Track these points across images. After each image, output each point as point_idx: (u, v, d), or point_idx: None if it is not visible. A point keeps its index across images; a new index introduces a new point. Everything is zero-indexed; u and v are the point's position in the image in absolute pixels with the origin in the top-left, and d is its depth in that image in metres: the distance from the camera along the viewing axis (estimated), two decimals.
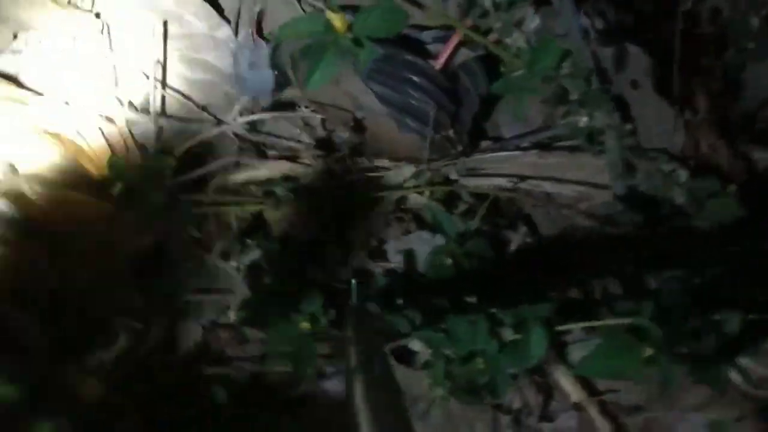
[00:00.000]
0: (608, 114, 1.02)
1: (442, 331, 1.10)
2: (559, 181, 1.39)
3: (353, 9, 1.07)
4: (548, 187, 1.39)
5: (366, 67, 1.39)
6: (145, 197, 1.36)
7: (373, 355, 0.83)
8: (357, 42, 0.96)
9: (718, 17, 1.30)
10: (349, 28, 0.97)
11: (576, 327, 1.10)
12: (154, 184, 1.37)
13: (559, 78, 1.00)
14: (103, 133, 1.53)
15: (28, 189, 1.37)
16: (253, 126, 1.51)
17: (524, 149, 1.44)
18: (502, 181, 1.40)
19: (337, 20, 0.94)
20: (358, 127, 1.42)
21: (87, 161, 1.49)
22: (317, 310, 1.20)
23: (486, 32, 1.02)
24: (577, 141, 1.37)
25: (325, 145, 1.48)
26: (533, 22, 0.98)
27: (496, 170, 1.41)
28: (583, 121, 1.02)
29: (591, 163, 1.37)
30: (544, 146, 1.44)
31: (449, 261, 1.27)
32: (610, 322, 1.01)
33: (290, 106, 1.53)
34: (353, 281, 1.11)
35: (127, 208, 1.35)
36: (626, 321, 0.97)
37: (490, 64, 1.43)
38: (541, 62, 0.97)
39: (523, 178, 1.39)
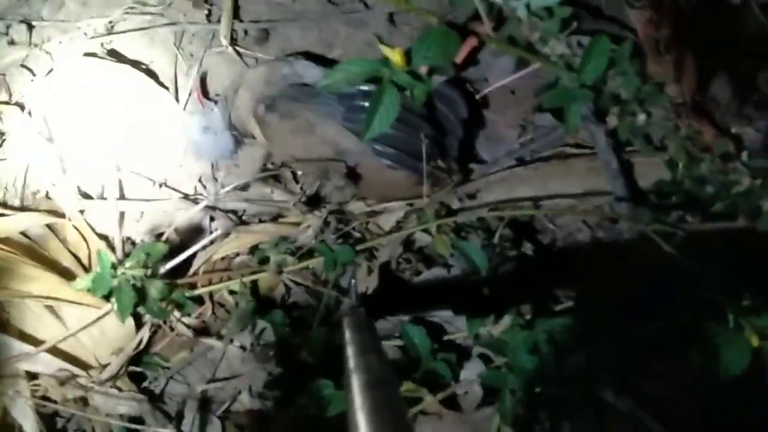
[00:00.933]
0: (665, 111, 0.99)
1: None
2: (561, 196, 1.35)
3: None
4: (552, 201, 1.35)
5: (341, 110, 1.32)
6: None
7: (370, 355, 0.81)
8: (415, 75, 0.88)
9: None
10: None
11: None
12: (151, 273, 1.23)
13: (611, 78, 0.96)
14: (51, 228, 1.38)
15: None
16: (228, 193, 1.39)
17: (514, 166, 1.40)
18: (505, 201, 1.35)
19: (395, 55, 0.86)
20: (351, 173, 1.33)
21: (38, 261, 1.34)
22: None
23: (512, 41, 0.97)
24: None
25: (311, 198, 1.38)
26: (571, 25, 0.94)
27: (496, 192, 1.36)
28: (641, 119, 0.98)
29: (585, 167, 1.35)
30: (532, 160, 1.41)
31: None
32: None
33: (261, 166, 1.43)
34: (352, 281, 1.09)
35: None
36: None
37: (462, 87, 1.41)
38: (592, 64, 0.93)
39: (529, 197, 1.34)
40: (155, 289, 1.24)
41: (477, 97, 1.40)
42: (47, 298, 1.29)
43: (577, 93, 0.95)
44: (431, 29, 0.89)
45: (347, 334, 0.88)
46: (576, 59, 0.94)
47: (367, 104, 1.30)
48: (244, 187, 1.40)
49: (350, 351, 0.83)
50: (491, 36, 0.93)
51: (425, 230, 1.31)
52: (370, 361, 0.80)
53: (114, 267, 1.23)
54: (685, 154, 1.03)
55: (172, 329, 1.33)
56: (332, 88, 0.95)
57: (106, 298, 1.27)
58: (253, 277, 1.32)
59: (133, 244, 1.39)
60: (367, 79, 0.95)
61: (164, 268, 1.29)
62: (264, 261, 1.33)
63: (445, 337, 1.27)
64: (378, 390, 0.73)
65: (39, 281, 1.30)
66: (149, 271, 1.25)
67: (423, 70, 0.91)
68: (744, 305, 0.95)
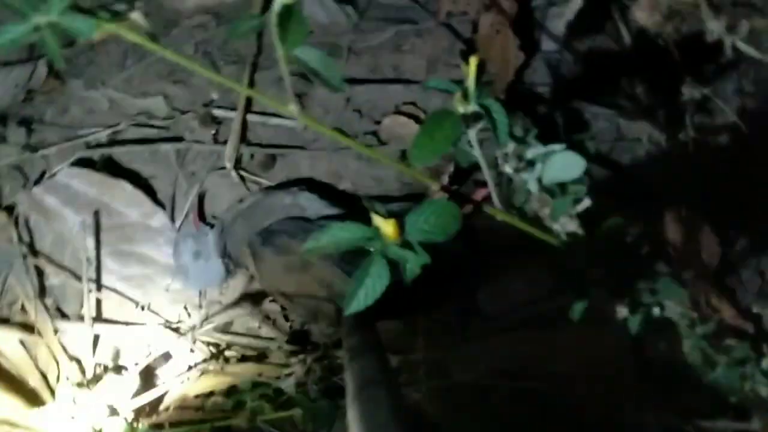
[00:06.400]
0: (681, 303, 0.91)
1: None
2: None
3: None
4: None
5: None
6: None
7: (369, 356, 0.83)
8: (408, 247, 0.81)
9: None
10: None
11: None
12: None
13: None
14: (25, 346, 1.30)
15: None
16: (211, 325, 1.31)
17: (517, 327, 1.31)
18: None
19: (388, 226, 0.79)
20: (341, 317, 1.25)
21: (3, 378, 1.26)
22: None
23: (520, 213, 0.90)
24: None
25: (298, 338, 1.30)
26: (584, 203, 0.87)
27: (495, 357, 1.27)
28: (655, 312, 0.90)
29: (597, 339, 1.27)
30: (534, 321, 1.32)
31: None
32: None
33: (249, 299, 1.35)
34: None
35: None
36: None
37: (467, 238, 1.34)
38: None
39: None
40: (118, 428, 1.15)
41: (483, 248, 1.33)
42: (5, 422, 1.21)
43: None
44: (431, 201, 0.82)
45: (346, 334, 0.91)
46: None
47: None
48: (229, 319, 1.32)
49: (349, 351, 0.87)
50: (497, 209, 0.86)
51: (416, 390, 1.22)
52: (369, 361, 0.81)
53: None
54: (701, 354, 0.95)
55: None
56: (316, 253, 0.88)
57: None
58: (226, 422, 1.22)
59: (106, 369, 1.30)
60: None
61: (131, 404, 1.20)
62: (239, 405, 1.23)
63: None
64: (375, 390, 0.74)
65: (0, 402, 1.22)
66: (114, 408, 1.16)
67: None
68: None
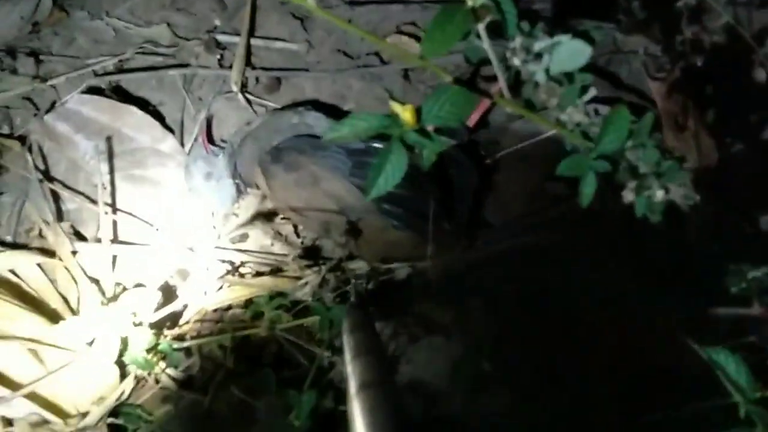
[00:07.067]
0: (685, 187, 0.94)
1: None
2: None
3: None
4: None
5: (349, 165, 1.29)
6: None
7: (368, 356, 0.83)
8: (424, 134, 0.84)
9: None
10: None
11: None
12: None
13: (629, 150, 0.92)
14: (43, 270, 1.33)
15: None
16: (225, 243, 1.35)
17: (520, 235, 1.35)
18: None
19: (405, 112, 0.82)
20: (353, 229, 1.29)
21: (25, 301, 1.29)
22: None
23: (528, 105, 0.93)
24: None
25: (310, 253, 1.34)
26: (590, 93, 0.90)
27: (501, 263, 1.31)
28: (659, 195, 0.93)
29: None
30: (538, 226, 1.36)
31: None
32: None
33: (261, 217, 1.38)
34: (353, 281, 1.14)
35: None
36: None
37: (473, 152, 1.37)
38: (611, 135, 0.89)
39: None
40: (142, 339, 1.19)
41: (488, 161, 1.37)
42: (30, 340, 1.24)
43: (594, 164, 0.90)
44: (445, 87, 0.85)
45: (346, 334, 0.90)
46: (593, 128, 0.90)
47: (373, 161, 1.27)
48: (243, 238, 1.36)
49: (349, 351, 0.85)
50: (507, 99, 0.89)
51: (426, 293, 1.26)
52: (369, 362, 0.81)
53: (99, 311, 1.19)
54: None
55: (156, 381, 1.27)
56: (338, 142, 0.91)
57: (91, 344, 1.22)
58: (245, 332, 1.26)
59: (124, 289, 1.34)
60: (376, 135, 0.91)
61: (153, 317, 1.24)
62: (257, 316, 1.27)
63: None
64: (375, 390, 0.74)
65: (23, 322, 1.25)
66: (137, 320, 1.20)
67: (432, 128, 0.86)
68: None
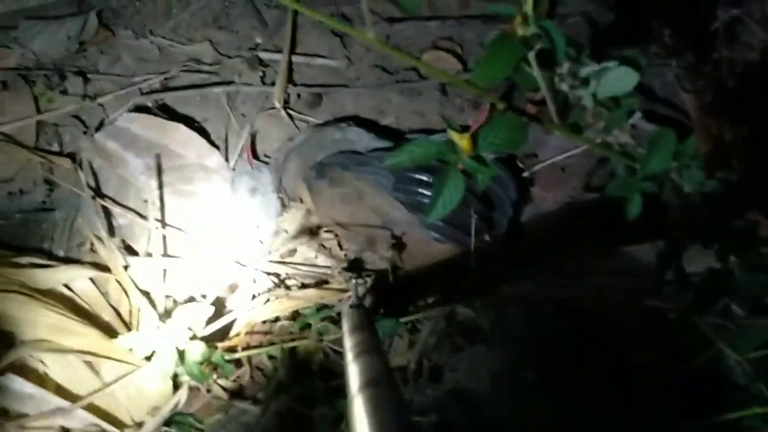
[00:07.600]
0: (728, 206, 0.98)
1: None
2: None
3: None
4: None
5: (392, 180, 1.32)
6: None
7: (369, 355, 0.83)
8: (480, 161, 0.88)
9: None
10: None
11: None
12: None
13: (674, 171, 0.95)
14: (94, 282, 1.38)
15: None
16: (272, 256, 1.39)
17: (558, 247, 1.38)
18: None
19: (462, 140, 0.85)
20: (396, 243, 1.33)
21: (79, 314, 1.34)
22: None
23: (575, 128, 0.97)
24: None
25: (354, 266, 1.37)
26: (636, 116, 0.94)
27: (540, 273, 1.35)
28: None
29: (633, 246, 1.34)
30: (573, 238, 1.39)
31: None
32: None
33: (306, 230, 1.42)
34: (353, 280, 1.16)
35: None
36: None
37: (512, 165, 1.40)
38: (657, 157, 0.92)
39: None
40: (196, 351, 1.24)
41: (526, 173, 1.40)
42: (86, 353, 1.28)
43: (641, 185, 0.94)
44: (499, 116, 0.88)
45: (347, 334, 0.91)
46: (637, 148, 0.94)
47: (418, 176, 1.31)
48: (289, 251, 1.40)
49: (350, 351, 0.86)
50: (557, 124, 0.93)
51: (468, 305, 1.30)
52: (369, 361, 0.81)
53: (156, 326, 1.23)
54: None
55: (208, 391, 1.31)
56: (396, 168, 0.94)
57: (147, 357, 1.26)
58: (293, 344, 1.31)
59: (175, 302, 1.38)
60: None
61: (205, 330, 1.29)
62: (305, 327, 1.32)
63: None
64: (376, 390, 0.74)
65: (79, 335, 1.30)
66: (191, 333, 1.25)
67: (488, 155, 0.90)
68: None
